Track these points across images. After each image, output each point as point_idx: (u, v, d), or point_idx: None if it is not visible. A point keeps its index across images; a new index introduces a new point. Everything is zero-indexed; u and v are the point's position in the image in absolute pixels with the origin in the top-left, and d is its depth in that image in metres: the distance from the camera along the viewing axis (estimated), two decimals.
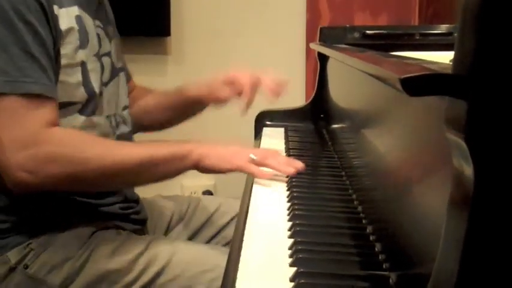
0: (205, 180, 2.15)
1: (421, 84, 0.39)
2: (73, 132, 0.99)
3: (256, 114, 1.52)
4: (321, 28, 1.59)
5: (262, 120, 1.54)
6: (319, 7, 2.25)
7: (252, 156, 0.99)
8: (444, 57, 1.09)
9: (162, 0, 2.06)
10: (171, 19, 2.11)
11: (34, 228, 1.00)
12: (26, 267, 0.98)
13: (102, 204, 1.07)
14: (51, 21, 0.94)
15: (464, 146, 0.37)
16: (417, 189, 0.59)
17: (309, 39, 2.25)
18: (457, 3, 2.34)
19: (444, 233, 0.38)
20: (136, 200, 1.17)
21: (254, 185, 0.97)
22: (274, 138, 1.38)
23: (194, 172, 1.01)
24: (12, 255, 0.98)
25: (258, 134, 1.47)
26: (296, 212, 0.81)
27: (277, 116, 1.55)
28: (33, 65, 0.91)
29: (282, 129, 1.48)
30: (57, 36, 0.96)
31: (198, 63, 2.21)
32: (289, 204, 0.86)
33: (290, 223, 0.77)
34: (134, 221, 1.13)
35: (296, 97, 2.00)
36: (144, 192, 1.18)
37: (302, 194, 0.90)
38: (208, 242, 1.24)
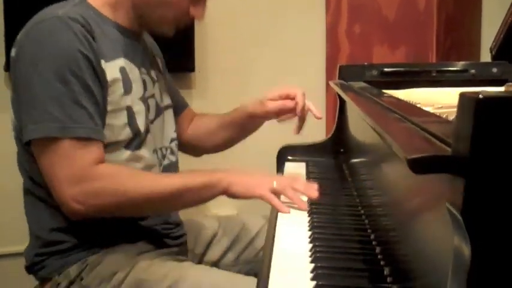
0: (229, 210, 2.20)
1: (424, 164, 0.45)
2: (116, 168, 1.12)
3: (278, 149, 1.59)
4: (340, 66, 1.65)
5: (283, 155, 1.60)
6: (339, 41, 2.31)
7: (275, 184, 1.11)
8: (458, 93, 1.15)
9: (187, 38, 2.15)
10: (195, 56, 2.21)
11: (91, 247, 1.17)
12: (82, 279, 1.14)
13: (146, 226, 1.22)
14: (99, 74, 1.10)
15: (461, 221, 0.42)
16: (433, 232, 0.63)
17: (329, 72, 2.31)
18: (473, 35, 2.39)
19: None
20: (178, 224, 1.31)
21: (277, 222, 1.03)
22: (295, 174, 1.43)
23: (219, 201, 1.16)
24: (73, 270, 1.15)
25: (279, 169, 1.53)
26: (318, 255, 0.86)
27: (298, 151, 1.61)
28: (81, 112, 1.06)
29: (304, 164, 1.54)
30: (104, 86, 1.11)
31: (221, 96, 2.29)
32: (311, 245, 0.91)
33: (312, 265, 0.83)
34: (176, 238, 1.28)
35: (316, 130, 2.06)
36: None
37: (323, 235, 0.96)
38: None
